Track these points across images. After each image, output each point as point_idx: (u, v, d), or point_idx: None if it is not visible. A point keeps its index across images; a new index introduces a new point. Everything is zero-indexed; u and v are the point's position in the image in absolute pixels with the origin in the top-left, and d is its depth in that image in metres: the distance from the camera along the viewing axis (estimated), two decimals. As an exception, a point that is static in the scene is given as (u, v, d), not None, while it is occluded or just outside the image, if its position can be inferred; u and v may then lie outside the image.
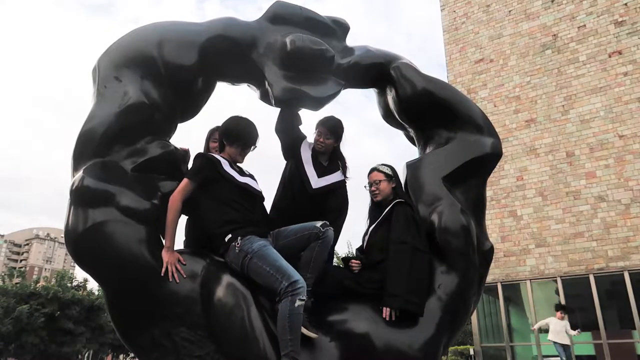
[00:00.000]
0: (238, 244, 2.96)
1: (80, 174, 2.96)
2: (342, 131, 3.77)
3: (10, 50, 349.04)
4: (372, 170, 3.62)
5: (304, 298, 2.75)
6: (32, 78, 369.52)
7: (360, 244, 3.62)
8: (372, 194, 3.57)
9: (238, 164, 3.35)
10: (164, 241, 3.07)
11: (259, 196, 3.31)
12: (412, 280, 3.09)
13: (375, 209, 3.59)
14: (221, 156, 3.30)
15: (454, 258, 3.30)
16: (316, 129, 3.74)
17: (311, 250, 3.06)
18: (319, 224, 3.08)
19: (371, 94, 4.40)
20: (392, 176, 3.55)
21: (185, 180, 3.12)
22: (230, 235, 3.01)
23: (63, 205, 3.03)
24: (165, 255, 2.95)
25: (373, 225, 3.46)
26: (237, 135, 3.29)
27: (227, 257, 3.04)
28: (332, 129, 3.71)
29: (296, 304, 2.72)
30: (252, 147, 3.35)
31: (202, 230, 3.22)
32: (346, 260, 3.44)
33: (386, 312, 3.04)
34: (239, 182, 3.18)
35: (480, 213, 3.71)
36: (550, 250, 13.71)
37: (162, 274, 2.90)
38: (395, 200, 3.41)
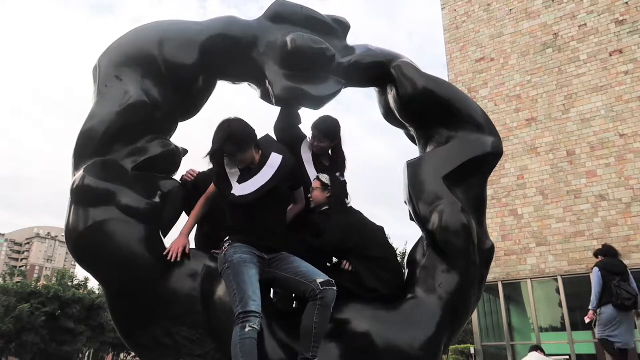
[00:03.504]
0: (225, 248, 2.91)
1: (81, 173, 2.97)
2: (338, 131, 3.76)
3: (10, 48, 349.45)
4: (314, 178, 3.61)
5: (255, 326, 2.62)
6: (32, 77, 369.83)
7: None
8: (308, 199, 3.56)
9: (253, 164, 3.09)
10: (164, 240, 3.10)
11: (245, 201, 2.98)
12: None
13: None
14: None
15: (454, 257, 3.30)
16: (311, 132, 3.75)
17: (310, 315, 2.80)
18: (320, 279, 2.83)
19: (372, 93, 4.39)
20: (329, 186, 3.53)
21: (211, 185, 3.17)
22: (227, 238, 2.97)
23: (64, 204, 3.04)
24: (175, 240, 3.06)
25: None
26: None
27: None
28: (326, 131, 3.70)
29: (246, 329, 2.61)
30: (233, 153, 3.01)
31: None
32: (336, 264, 3.48)
33: None
34: (233, 198, 2.98)
35: (481, 212, 3.71)
36: (551, 249, 13.70)
37: (165, 253, 2.98)
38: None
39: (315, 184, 3.56)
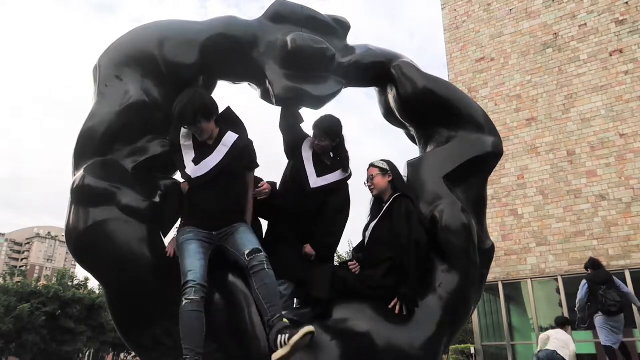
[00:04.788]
0: (179, 230, 3.05)
1: (81, 172, 2.97)
2: (339, 129, 3.74)
3: (10, 48, 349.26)
4: (369, 165, 3.65)
5: (192, 297, 2.70)
6: (32, 76, 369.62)
7: (360, 240, 3.63)
8: (369, 189, 3.60)
9: (210, 139, 3.12)
10: (165, 240, 3.11)
11: (196, 182, 3.03)
12: (417, 276, 3.15)
13: (376, 204, 3.60)
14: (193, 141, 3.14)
15: (455, 257, 3.30)
16: (312, 131, 3.75)
17: (252, 288, 2.85)
18: (247, 249, 2.87)
19: (372, 92, 4.39)
20: (388, 170, 3.55)
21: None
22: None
23: (64, 204, 3.04)
24: (172, 239, 3.10)
25: (375, 222, 3.47)
26: (174, 119, 3.14)
27: None
28: (326, 130, 3.68)
29: (183, 303, 2.71)
30: (193, 125, 3.03)
31: None
32: (344, 264, 3.47)
33: (397, 306, 3.10)
34: (183, 175, 3.09)
35: (481, 212, 3.71)
36: (551, 249, 13.70)
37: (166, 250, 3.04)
38: (395, 195, 3.42)
39: (373, 171, 3.57)
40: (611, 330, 8.14)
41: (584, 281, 8.33)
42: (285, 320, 2.81)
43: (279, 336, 2.61)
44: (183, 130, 3.13)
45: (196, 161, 3.04)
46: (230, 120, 3.28)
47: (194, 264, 2.81)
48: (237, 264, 2.96)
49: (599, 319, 8.12)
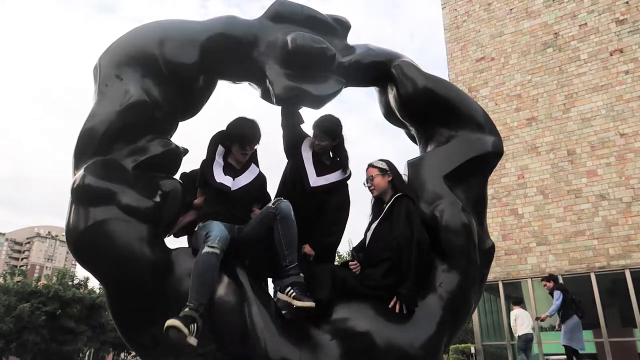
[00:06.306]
0: (200, 225, 3.23)
1: (81, 172, 2.96)
2: (339, 129, 3.74)
3: (10, 48, 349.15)
4: (368, 166, 3.64)
5: (214, 245, 2.87)
6: (32, 76, 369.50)
7: (361, 240, 3.62)
8: (369, 189, 3.60)
9: (241, 161, 3.49)
10: (165, 240, 3.13)
11: (232, 194, 3.35)
12: (416, 275, 3.14)
13: (377, 204, 3.60)
14: (223, 157, 3.48)
15: (455, 256, 3.29)
16: (312, 130, 3.74)
17: (276, 232, 3.12)
18: (271, 203, 3.19)
19: (373, 92, 4.39)
20: (387, 170, 3.54)
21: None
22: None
23: (65, 203, 3.04)
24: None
25: (375, 222, 3.46)
26: (231, 136, 3.44)
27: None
28: (326, 130, 3.68)
29: (204, 250, 2.86)
30: (250, 146, 3.44)
31: None
32: (344, 264, 3.46)
33: (397, 306, 3.10)
34: (213, 183, 3.33)
35: (482, 211, 3.70)
36: (552, 248, 13.71)
37: None
38: (395, 195, 3.42)
39: (372, 171, 3.57)
40: (581, 334, 9.64)
41: (558, 292, 9.70)
42: (301, 274, 3.11)
43: (289, 288, 2.99)
44: (220, 148, 3.45)
45: (233, 177, 3.40)
46: (253, 157, 3.59)
47: (222, 231, 3.02)
48: (255, 231, 3.20)
49: (575, 321, 9.50)
